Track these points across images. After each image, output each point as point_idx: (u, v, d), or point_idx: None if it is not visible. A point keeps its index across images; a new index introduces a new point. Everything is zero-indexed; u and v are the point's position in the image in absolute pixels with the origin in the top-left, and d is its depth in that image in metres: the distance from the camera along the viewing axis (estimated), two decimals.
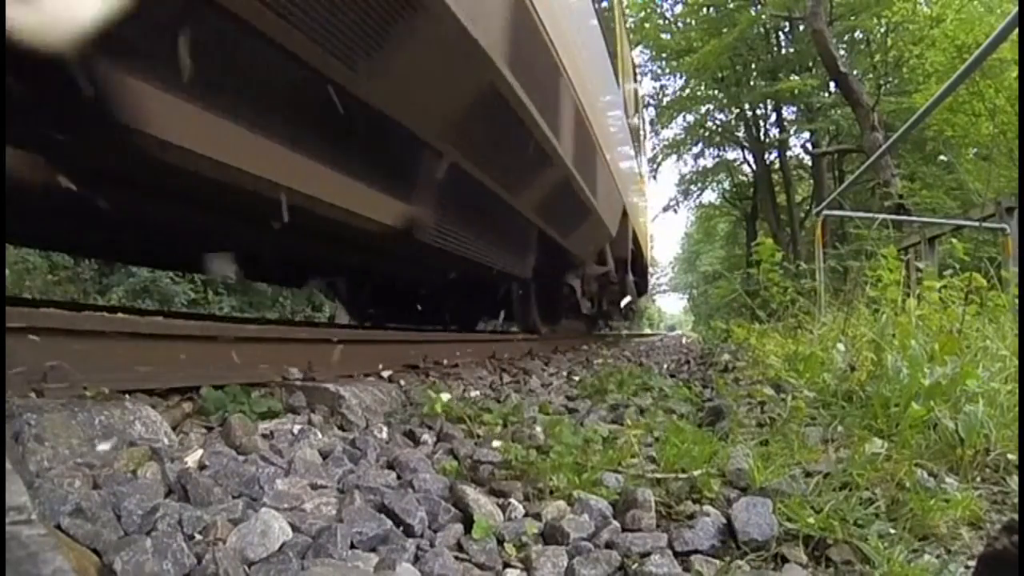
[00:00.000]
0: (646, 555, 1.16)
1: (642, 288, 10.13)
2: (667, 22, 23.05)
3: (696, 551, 1.19)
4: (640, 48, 23.21)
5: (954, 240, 5.26)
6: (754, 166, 24.91)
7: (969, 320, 2.59)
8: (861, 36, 19.20)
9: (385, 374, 3.64)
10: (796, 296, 4.70)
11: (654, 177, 26.98)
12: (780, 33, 21.40)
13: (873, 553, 1.13)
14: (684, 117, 25.53)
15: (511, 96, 3.10)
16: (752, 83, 21.87)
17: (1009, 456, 1.67)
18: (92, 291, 11.58)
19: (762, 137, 23.80)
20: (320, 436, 1.89)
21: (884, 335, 2.58)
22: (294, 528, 1.13)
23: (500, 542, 1.21)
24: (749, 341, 5.17)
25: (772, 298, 4.70)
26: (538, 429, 2.09)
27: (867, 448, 1.65)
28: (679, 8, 22.56)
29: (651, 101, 24.79)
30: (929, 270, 4.95)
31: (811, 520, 1.22)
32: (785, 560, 1.16)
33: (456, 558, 1.12)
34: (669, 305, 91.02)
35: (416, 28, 2.32)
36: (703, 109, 24.83)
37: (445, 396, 2.20)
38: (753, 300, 5.59)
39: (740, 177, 28.55)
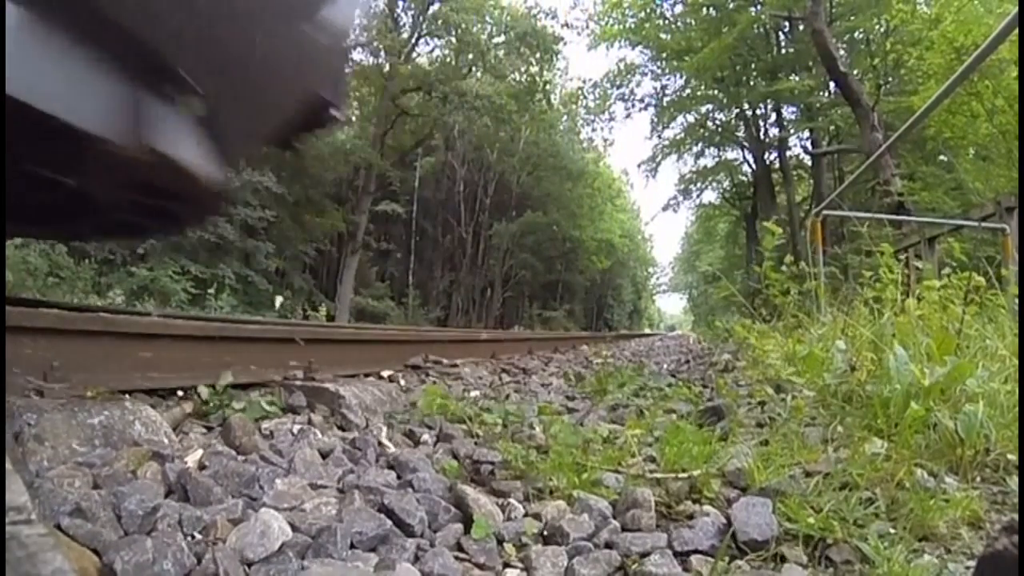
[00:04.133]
0: (646, 555, 1.16)
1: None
2: (667, 22, 23.06)
3: (696, 551, 1.19)
4: (640, 48, 23.25)
5: (951, 240, 5.25)
6: (754, 166, 24.92)
7: (969, 320, 2.59)
8: (861, 36, 19.20)
9: (385, 374, 3.64)
10: (796, 296, 4.70)
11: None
12: (780, 33, 21.41)
13: (873, 553, 1.13)
14: (684, 117, 25.56)
15: None
16: (752, 83, 21.88)
17: (1009, 456, 1.67)
18: (90, 291, 11.58)
19: (762, 137, 23.81)
20: (320, 436, 1.90)
21: (883, 335, 2.58)
22: (294, 528, 1.13)
23: (500, 542, 1.21)
24: (749, 341, 5.17)
25: (773, 297, 4.70)
26: (538, 429, 2.10)
27: (867, 448, 1.65)
28: (679, 8, 22.60)
29: (651, 101, 24.83)
30: (928, 269, 4.95)
31: (811, 520, 1.22)
32: (785, 560, 1.16)
33: (456, 558, 1.12)
34: (669, 305, 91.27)
35: None
36: (703, 109, 24.85)
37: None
38: (754, 300, 5.59)
39: (740, 177, 28.57)
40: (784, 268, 4.65)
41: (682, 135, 26.38)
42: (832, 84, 16.16)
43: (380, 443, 1.83)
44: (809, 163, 22.98)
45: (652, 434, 2.03)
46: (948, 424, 1.69)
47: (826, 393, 2.38)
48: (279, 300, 12.35)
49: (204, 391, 2.12)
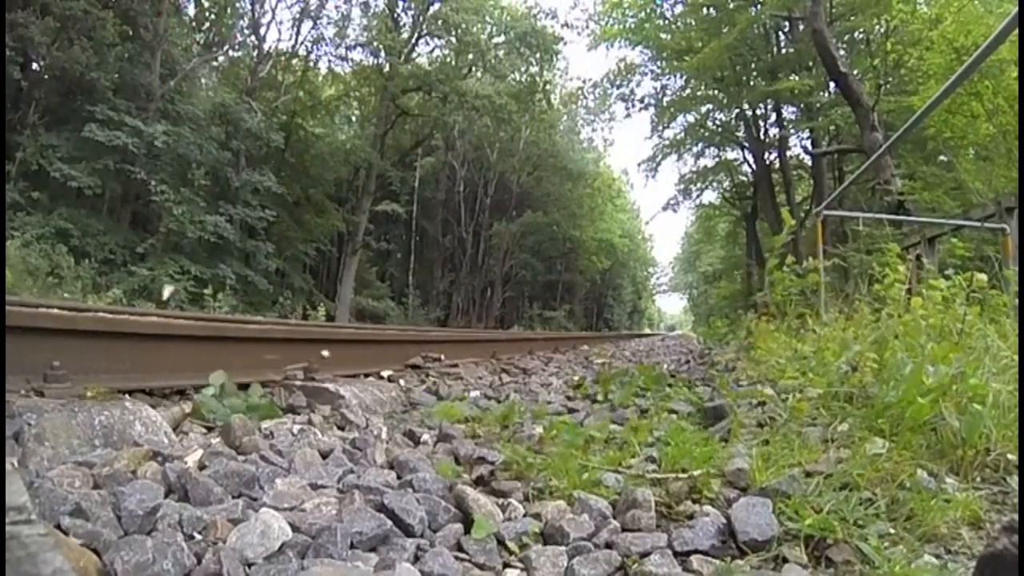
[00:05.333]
0: (646, 555, 1.16)
1: None
2: (667, 22, 23.05)
3: (696, 551, 1.19)
4: (640, 48, 23.25)
5: (955, 240, 5.24)
6: (754, 166, 24.92)
7: (972, 320, 2.58)
8: (861, 36, 19.18)
9: (385, 374, 3.65)
10: (798, 296, 4.69)
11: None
12: (780, 33, 21.39)
13: (873, 553, 1.13)
14: (684, 117, 25.53)
15: None
16: (752, 83, 21.85)
17: (1009, 456, 1.67)
18: (90, 291, 11.58)
19: (762, 137, 23.78)
20: (320, 436, 1.90)
21: (887, 335, 2.57)
22: (294, 528, 1.13)
23: (500, 542, 1.21)
24: (751, 341, 5.16)
25: (776, 295, 4.70)
26: (538, 429, 2.09)
27: (868, 448, 1.65)
28: (679, 8, 22.58)
29: (651, 101, 24.83)
30: (930, 269, 4.94)
31: (811, 520, 1.22)
32: (785, 560, 1.16)
33: (456, 558, 1.12)
34: (669, 305, 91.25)
35: None
36: (703, 109, 24.83)
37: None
38: (755, 299, 5.59)
39: (740, 177, 28.54)
40: (786, 268, 4.65)
41: (682, 135, 26.35)
42: (832, 84, 16.14)
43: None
44: (809, 163, 22.97)
45: (652, 434, 2.03)
46: (954, 423, 1.68)
47: (828, 396, 2.37)
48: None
49: (204, 391, 2.12)
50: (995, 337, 2.37)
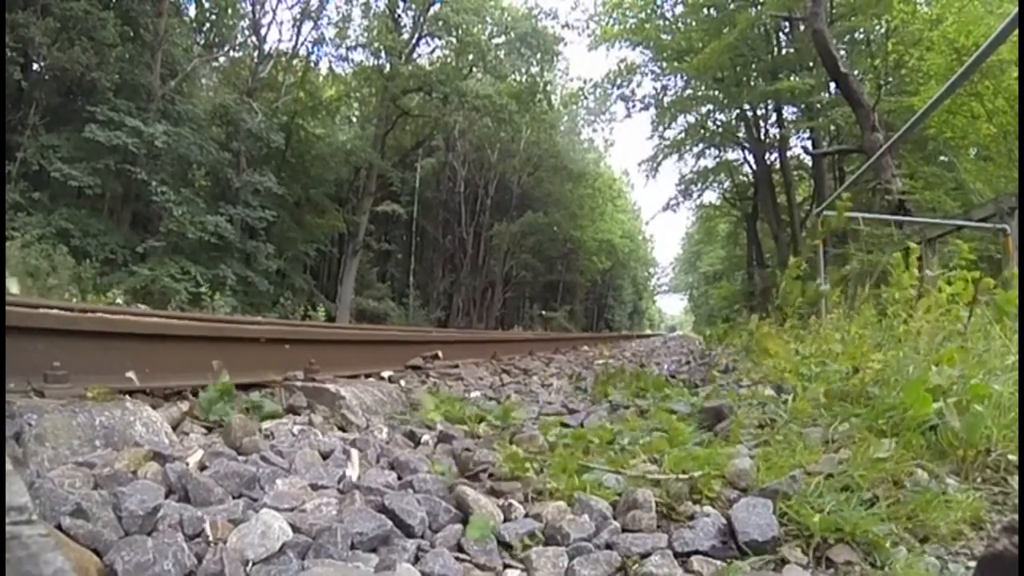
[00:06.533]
0: (646, 555, 1.16)
1: None
2: (667, 22, 23.03)
3: (696, 552, 1.19)
4: (641, 48, 23.26)
5: (959, 240, 5.24)
6: (754, 166, 24.91)
7: (976, 320, 2.58)
8: (861, 37, 19.16)
9: (385, 374, 3.65)
10: (801, 299, 4.69)
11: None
12: (780, 33, 21.38)
13: (881, 550, 1.13)
14: (685, 117, 25.52)
15: None
16: (752, 83, 21.84)
17: (1010, 456, 1.67)
18: (90, 291, 11.58)
19: (762, 137, 23.77)
20: (321, 436, 1.90)
21: (896, 337, 2.57)
22: (294, 528, 1.13)
23: (500, 542, 1.21)
24: (752, 345, 5.15)
25: (791, 298, 4.68)
26: (538, 430, 2.09)
27: (873, 450, 1.64)
28: (679, 8, 22.57)
29: (652, 101, 24.82)
30: (940, 271, 4.93)
31: (813, 520, 1.22)
32: (786, 561, 1.16)
33: (456, 558, 1.12)
34: (670, 306, 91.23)
35: None
36: (704, 109, 24.82)
37: None
38: (760, 301, 5.58)
39: (740, 177, 28.52)
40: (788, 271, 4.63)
41: (683, 135, 26.32)
42: (832, 84, 16.13)
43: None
44: (810, 163, 22.97)
45: (652, 435, 2.02)
46: (955, 423, 1.68)
47: (830, 395, 2.37)
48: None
49: (204, 392, 2.12)
50: (999, 337, 2.36)
